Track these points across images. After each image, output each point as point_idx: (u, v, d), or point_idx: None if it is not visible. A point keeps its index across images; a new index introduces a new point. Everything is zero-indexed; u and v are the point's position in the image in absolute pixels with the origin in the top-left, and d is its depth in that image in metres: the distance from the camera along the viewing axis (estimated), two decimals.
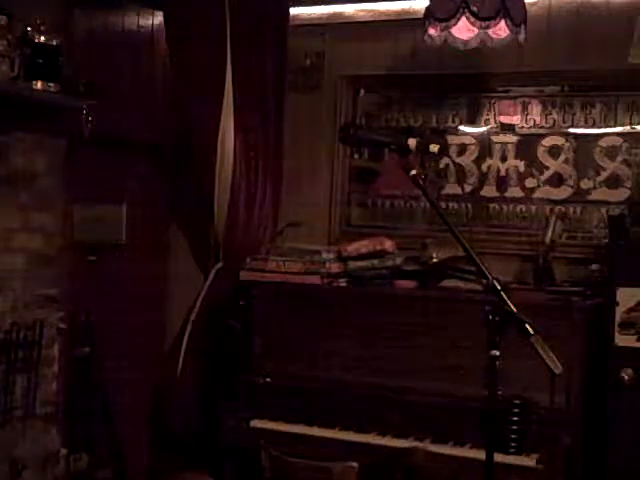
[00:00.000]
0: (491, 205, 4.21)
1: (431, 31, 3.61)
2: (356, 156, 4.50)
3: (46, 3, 3.60)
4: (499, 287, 2.12)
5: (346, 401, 3.57)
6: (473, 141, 4.25)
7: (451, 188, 4.27)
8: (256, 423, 3.64)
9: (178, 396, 4.26)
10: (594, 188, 4.01)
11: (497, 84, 4.18)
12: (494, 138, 4.22)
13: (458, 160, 4.26)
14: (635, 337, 3.34)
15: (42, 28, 3.41)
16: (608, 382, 3.35)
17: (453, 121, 4.30)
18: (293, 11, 4.45)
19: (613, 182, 3.98)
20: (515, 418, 3.23)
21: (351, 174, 4.50)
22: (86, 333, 3.92)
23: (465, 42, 3.62)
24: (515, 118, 4.16)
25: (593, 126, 4.02)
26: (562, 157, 4.08)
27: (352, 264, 3.94)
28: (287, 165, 4.45)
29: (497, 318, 2.10)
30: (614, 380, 3.32)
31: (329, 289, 3.89)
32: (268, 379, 3.74)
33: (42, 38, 3.40)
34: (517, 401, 3.25)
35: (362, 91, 4.51)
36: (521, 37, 3.57)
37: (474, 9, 3.47)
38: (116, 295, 4.16)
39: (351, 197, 4.51)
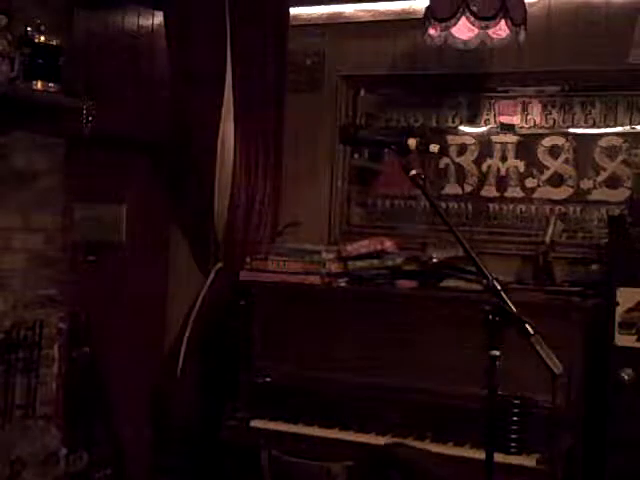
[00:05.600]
0: (491, 205, 4.21)
1: (431, 31, 3.61)
2: (356, 156, 4.50)
3: (46, 3, 3.60)
4: (499, 287, 2.12)
5: (346, 401, 3.57)
6: (473, 141, 4.25)
7: (451, 188, 4.27)
8: (256, 423, 3.64)
9: (178, 396, 4.26)
10: (594, 188, 4.01)
11: (497, 84, 4.18)
12: (494, 138, 4.22)
13: (458, 160, 4.26)
14: (635, 337, 3.34)
15: (42, 28, 3.41)
16: (608, 382, 3.35)
17: (453, 121, 4.30)
18: (293, 11, 4.45)
19: (613, 182, 3.98)
20: (515, 418, 3.24)
21: (351, 174, 4.50)
22: (86, 333, 3.92)
23: (465, 42, 3.62)
24: (515, 118, 4.16)
25: (593, 126, 4.02)
26: (562, 157, 4.08)
27: (352, 264, 3.93)
28: (287, 165, 4.45)
29: (497, 318, 2.10)
30: (614, 380, 3.32)
31: (329, 289, 3.89)
32: (268, 379, 3.74)
33: (42, 38, 3.39)
34: (517, 401, 3.25)
35: (362, 91, 4.51)
36: (521, 37, 3.57)
37: (474, 9, 3.47)
38: (116, 295, 4.16)
39: (351, 197, 4.51)
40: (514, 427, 3.22)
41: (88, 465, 3.90)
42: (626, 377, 3.31)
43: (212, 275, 4.30)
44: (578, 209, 4.04)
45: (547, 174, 4.11)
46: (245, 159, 4.28)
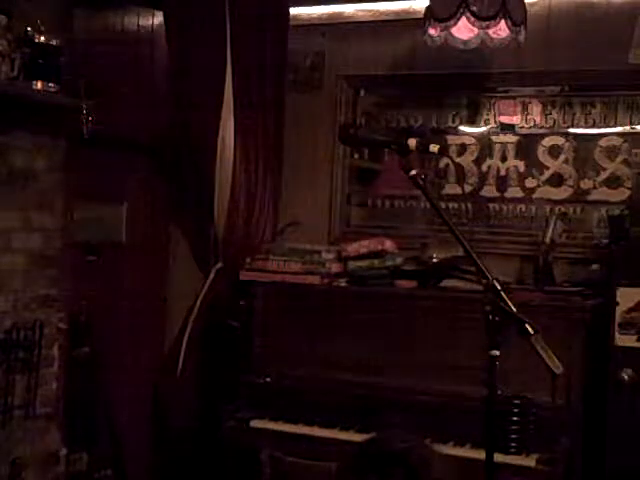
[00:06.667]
0: (491, 205, 4.21)
1: (431, 31, 3.61)
2: (356, 156, 4.50)
3: (46, 3, 3.60)
4: (499, 287, 2.11)
5: (346, 401, 3.57)
6: (473, 141, 4.25)
7: (451, 188, 4.28)
8: (256, 423, 3.64)
9: (178, 396, 4.26)
10: (594, 188, 4.02)
11: (497, 84, 4.18)
12: (494, 138, 4.22)
13: (458, 160, 4.26)
14: (635, 337, 3.34)
15: (42, 28, 3.41)
16: (608, 382, 3.35)
17: (453, 121, 4.30)
18: (293, 11, 4.45)
19: (613, 182, 3.98)
20: (515, 418, 3.24)
21: (351, 174, 4.50)
22: (86, 333, 3.92)
23: (465, 42, 3.62)
24: (515, 118, 4.17)
25: (593, 126, 4.02)
26: (562, 157, 4.08)
27: (352, 264, 3.93)
28: (287, 165, 4.45)
29: (497, 318, 2.09)
30: (614, 380, 3.32)
31: (329, 289, 3.89)
32: (268, 379, 3.74)
33: (42, 38, 3.39)
34: (517, 401, 3.25)
35: (362, 91, 4.51)
36: (521, 37, 3.57)
37: (474, 9, 3.47)
38: (116, 295, 4.16)
39: (351, 197, 4.51)
40: (514, 427, 3.22)
41: (88, 465, 3.90)
42: (626, 377, 3.31)
43: (212, 275, 4.29)
44: (578, 209, 4.04)
45: (547, 174, 4.11)
46: (245, 159, 4.28)
